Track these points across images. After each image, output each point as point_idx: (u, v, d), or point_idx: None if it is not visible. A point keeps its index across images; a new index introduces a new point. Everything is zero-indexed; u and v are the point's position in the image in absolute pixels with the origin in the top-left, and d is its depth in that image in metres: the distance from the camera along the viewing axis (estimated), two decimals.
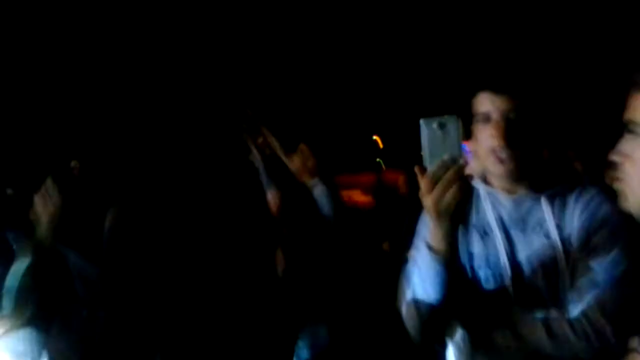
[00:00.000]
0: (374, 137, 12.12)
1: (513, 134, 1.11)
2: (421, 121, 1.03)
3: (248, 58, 8.91)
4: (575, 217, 1.14)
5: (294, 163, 2.80)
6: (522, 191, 1.19)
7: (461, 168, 1.01)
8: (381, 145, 12.01)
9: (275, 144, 2.86)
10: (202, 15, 8.15)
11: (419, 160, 1.06)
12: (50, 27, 7.32)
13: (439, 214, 1.04)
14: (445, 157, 1.02)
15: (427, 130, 1.03)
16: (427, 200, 1.03)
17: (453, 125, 1.02)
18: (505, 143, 1.11)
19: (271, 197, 2.74)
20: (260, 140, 2.91)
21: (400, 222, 3.04)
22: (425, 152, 1.04)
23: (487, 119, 1.14)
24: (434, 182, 1.01)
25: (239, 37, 8.54)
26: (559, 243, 1.13)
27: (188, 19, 8.16)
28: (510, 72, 1.18)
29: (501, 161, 1.13)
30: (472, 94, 1.20)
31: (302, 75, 9.70)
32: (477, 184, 1.24)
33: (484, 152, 1.16)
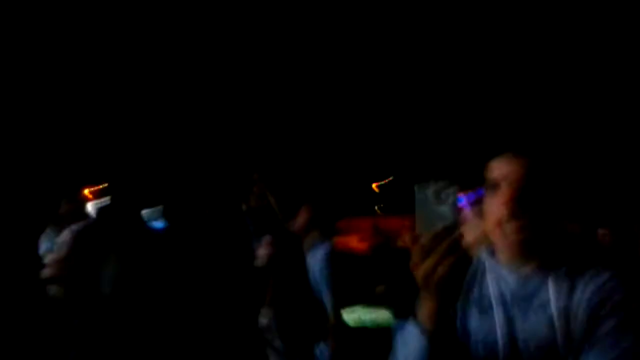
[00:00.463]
0: (373, 185, 12.27)
1: (521, 205, 1.05)
2: (415, 187, 0.99)
3: (248, 115, 9.16)
4: (583, 303, 1.05)
5: (296, 223, 2.94)
6: (529, 268, 1.11)
7: (456, 240, 0.96)
8: (377, 191, 12.14)
9: (273, 202, 3.00)
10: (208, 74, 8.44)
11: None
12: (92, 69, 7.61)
13: (430, 289, 0.98)
14: (439, 226, 0.96)
15: (421, 196, 0.98)
16: (418, 273, 0.98)
17: (449, 192, 0.97)
18: (512, 214, 1.06)
19: (262, 248, 2.84)
20: (260, 197, 3.04)
21: (396, 267, 3.13)
22: (418, 218, 0.99)
23: (495, 187, 1.10)
24: (426, 254, 0.96)
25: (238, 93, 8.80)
26: (561, 330, 1.04)
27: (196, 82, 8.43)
28: (522, 138, 1.12)
29: (507, 234, 1.07)
30: (481, 158, 1.16)
31: (301, 125, 9.92)
32: (483, 255, 1.19)
33: (491, 222, 1.10)
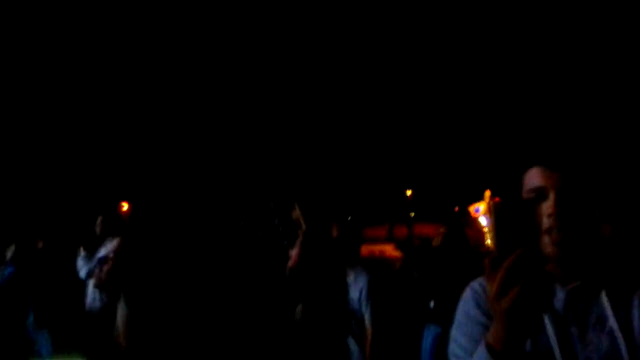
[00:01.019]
0: (407, 192, 12.16)
1: (569, 213, 0.99)
2: (494, 203, 0.92)
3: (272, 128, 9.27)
4: None
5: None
6: (577, 282, 1.04)
7: (537, 263, 0.86)
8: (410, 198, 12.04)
9: (300, 217, 3.05)
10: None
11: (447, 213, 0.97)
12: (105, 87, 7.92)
13: (503, 314, 0.87)
14: (519, 247, 0.86)
15: (499, 212, 0.89)
16: (492, 296, 0.88)
17: (529, 210, 0.89)
18: (560, 223, 0.99)
19: (291, 254, 2.90)
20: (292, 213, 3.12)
21: (432, 275, 3.08)
22: (495, 237, 0.90)
23: (541, 195, 1.03)
24: (503, 276, 0.86)
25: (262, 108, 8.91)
26: (625, 344, 0.97)
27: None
28: (566, 145, 1.06)
29: (555, 243, 1.00)
30: (519, 167, 1.10)
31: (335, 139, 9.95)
32: None
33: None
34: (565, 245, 1.00)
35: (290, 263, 2.70)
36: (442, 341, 2.93)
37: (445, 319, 2.92)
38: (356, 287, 2.98)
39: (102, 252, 3.80)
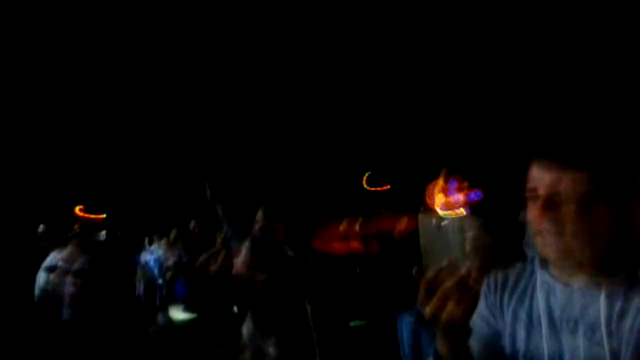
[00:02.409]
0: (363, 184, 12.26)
1: (561, 213, 0.96)
2: (419, 215, 0.93)
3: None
4: (637, 325, 0.92)
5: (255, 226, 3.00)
6: (580, 281, 1.01)
7: (464, 277, 0.88)
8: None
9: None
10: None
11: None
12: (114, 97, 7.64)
13: (441, 326, 0.91)
14: (445, 261, 0.88)
15: (426, 225, 0.91)
16: (425, 311, 0.92)
17: (455, 224, 0.89)
18: (550, 223, 0.97)
19: (238, 253, 2.84)
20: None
21: (398, 268, 3.06)
22: (423, 250, 0.93)
23: (534, 196, 1.00)
24: (431, 291, 0.90)
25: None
26: (611, 355, 0.93)
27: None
28: (561, 142, 1.01)
29: (547, 244, 0.98)
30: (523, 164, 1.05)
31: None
32: (535, 265, 1.09)
33: (533, 232, 1.02)
34: (557, 247, 0.97)
35: (235, 269, 2.63)
36: (417, 331, 2.94)
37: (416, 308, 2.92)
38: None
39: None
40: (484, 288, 1.11)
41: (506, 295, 1.10)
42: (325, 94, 9.30)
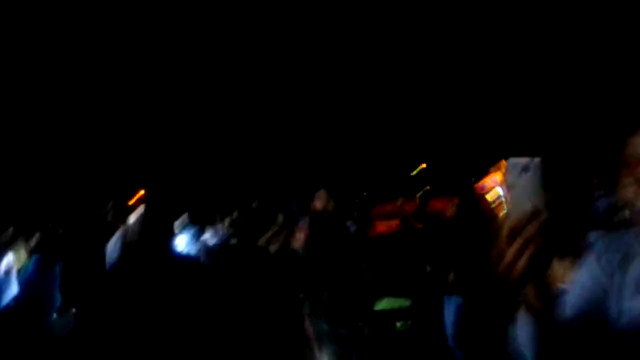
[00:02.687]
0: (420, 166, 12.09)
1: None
2: (509, 160, 0.91)
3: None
4: None
5: (316, 205, 3.13)
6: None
7: (543, 223, 0.88)
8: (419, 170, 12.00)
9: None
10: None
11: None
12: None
13: (519, 272, 0.90)
14: (528, 206, 0.87)
15: (512, 172, 0.89)
16: (507, 256, 0.90)
17: (536, 170, 0.88)
18: None
19: (299, 231, 2.99)
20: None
21: (444, 246, 3.06)
22: (510, 196, 0.92)
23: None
24: (513, 235, 0.89)
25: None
26: None
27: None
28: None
29: None
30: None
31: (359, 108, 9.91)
32: None
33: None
34: None
35: (297, 244, 2.76)
36: (465, 312, 2.92)
37: (465, 290, 2.91)
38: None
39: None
40: (597, 248, 1.12)
41: (617, 258, 1.10)
42: (382, 91, 9.27)
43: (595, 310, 1.04)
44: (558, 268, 1.16)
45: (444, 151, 11.00)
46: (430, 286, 3.10)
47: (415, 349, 3.03)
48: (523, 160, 0.89)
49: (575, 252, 1.13)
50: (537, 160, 0.90)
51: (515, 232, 0.88)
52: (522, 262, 0.89)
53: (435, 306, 3.09)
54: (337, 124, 9.80)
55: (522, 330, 1.00)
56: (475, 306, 2.68)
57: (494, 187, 6.28)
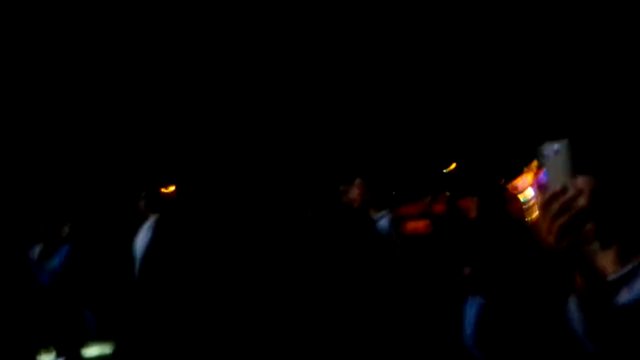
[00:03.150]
0: (449, 166, 11.94)
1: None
2: (544, 144, 0.98)
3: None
4: None
5: (349, 195, 3.15)
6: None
7: (568, 201, 0.94)
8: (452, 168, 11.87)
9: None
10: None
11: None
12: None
13: (551, 248, 0.97)
14: (558, 185, 0.94)
15: (545, 154, 0.97)
16: (541, 232, 0.98)
17: (564, 150, 0.95)
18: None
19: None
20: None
21: (468, 246, 3.02)
22: (548, 177, 0.99)
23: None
24: (543, 213, 0.96)
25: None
26: None
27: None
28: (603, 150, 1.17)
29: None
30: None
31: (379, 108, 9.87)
32: None
33: None
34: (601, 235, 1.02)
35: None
36: (486, 312, 2.88)
37: (487, 290, 2.87)
38: None
39: None
40: None
41: None
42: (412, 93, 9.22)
43: None
44: (604, 258, 1.17)
45: (474, 151, 10.82)
46: (453, 286, 3.07)
47: (432, 348, 3.00)
48: (557, 142, 0.95)
49: (622, 242, 1.14)
50: (565, 140, 0.95)
51: (544, 210, 0.94)
52: (551, 238, 0.94)
53: (455, 307, 3.06)
54: (362, 122, 9.77)
55: (573, 316, 1.03)
56: (498, 307, 2.64)
57: (527, 187, 6.13)
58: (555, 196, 0.94)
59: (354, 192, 3.25)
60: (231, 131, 9.02)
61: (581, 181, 1.11)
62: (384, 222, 3.21)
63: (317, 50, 8.53)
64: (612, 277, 1.15)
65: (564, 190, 0.94)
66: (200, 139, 8.92)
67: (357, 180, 3.23)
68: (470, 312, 2.97)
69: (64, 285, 4.28)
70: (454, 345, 2.98)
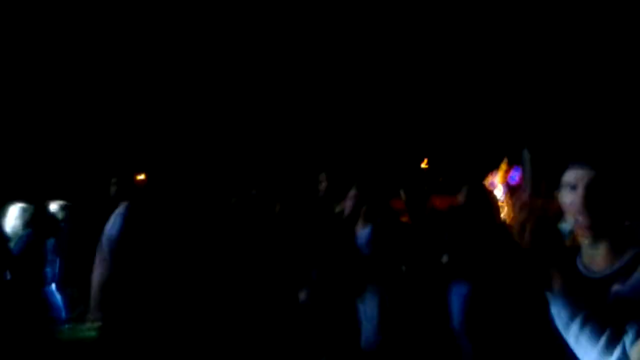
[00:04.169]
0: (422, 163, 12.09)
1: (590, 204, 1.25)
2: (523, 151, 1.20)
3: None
4: None
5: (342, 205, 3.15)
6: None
7: (523, 202, 1.15)
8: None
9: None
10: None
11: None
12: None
13: (523, 243, 1.14)
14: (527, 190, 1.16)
15: (523, 159, 1.16)
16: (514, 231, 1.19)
17: (526, 157, 1.12)
18: (582, 211, 1.26)
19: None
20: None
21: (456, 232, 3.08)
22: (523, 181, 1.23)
23: (572, 187, 1.29)
24: (515, 215, 1.16)
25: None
26: None
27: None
28: (595, 148, 1.29)
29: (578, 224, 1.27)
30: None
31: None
32: None
33: (569, 213, 1.30)
34: (582, 228, 1.24)
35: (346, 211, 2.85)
36: (473, 298, 2.92)
37: (472, 276, 2.91)
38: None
39: None
40: None
41: None
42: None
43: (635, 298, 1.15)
44: (590, 253, 1.26)
45: (446, 149, 10.98)
46: (437, 274, 3.11)
47: (420, 337, 3.03)
48: (525, 150, 1.14)
49: (614, 237, 1.25)
50: (525, 152, 1.09)
51: (515, 213, 1.11)
52: (523, 239, 1.09)
53: (441, 294, 3.10)
54: (338, 120, 9.78)
55: (553, 310, 1.17)
56: (483, 292, 2.71)
57: (496, 186, 6.27)
58: (521, 201, 1.12)
59: (348, 204, 3.21)
60: (208, 119, 8.91)
61: (571, 175, 1.20)
62: (363, 234, 3.20)
63: (292, 41, 8.48)
64: (605, 271, 1.21)
65: (527, 195, 1.10)
66: (174, 125, 8.78)
67: (352, 192, 3.19)
68: (457, 299, 3.01)
69: (20, 271, 4.18)
70: (442, 333, 3.02)
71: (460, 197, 3.22)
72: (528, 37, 7.75)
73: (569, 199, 1.29)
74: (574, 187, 1.29)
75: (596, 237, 1.26)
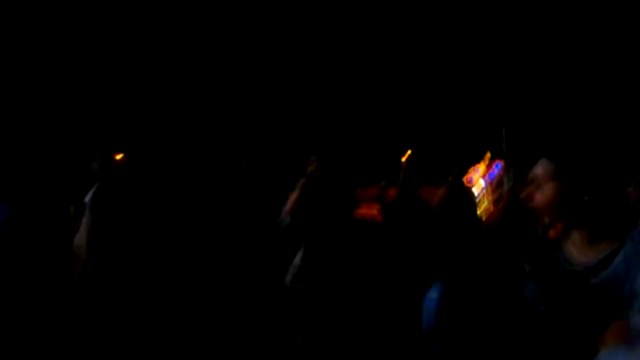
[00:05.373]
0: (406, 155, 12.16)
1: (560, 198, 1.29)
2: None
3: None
4: None
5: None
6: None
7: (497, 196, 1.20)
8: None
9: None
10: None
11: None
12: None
13: (503, 237, 1.20)
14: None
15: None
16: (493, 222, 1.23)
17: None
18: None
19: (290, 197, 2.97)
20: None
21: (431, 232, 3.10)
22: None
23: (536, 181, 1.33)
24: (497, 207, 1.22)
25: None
26: None
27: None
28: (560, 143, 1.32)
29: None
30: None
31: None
32: None
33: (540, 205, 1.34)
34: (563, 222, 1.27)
35: (288, 207, 2.75)
36: (448, 296, 2.93)
37: (450, 273, 2.93)
38: None
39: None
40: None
41: None
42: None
43: (617, 288, 1.19)
44: (571, 247, 1.28)
45: (430, 140, 11.08)
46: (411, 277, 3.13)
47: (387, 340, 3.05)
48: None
49: (590, 229, 1.27)
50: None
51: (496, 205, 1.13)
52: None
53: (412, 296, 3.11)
54: (325, 108, 9.76)
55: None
56: (459, 290, 2.74)
57: (478, 179, 6.35)
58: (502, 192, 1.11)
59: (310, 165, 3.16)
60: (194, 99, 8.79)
61: (540, 168, 1.23)
62: None
63: (270, 30, 8.38)
64: (585, 264, 1.23)
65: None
66: (158, 106, 8.66)
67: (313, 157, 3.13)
68: (432, 297, 3.03)
69: None
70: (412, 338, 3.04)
71: (439, 195, 3.24)
72: (508, 31, 7.82)
73: (536, 193, 1.32)
74: (538, 183, 1.32)
75: (568, 230, 1.29)
